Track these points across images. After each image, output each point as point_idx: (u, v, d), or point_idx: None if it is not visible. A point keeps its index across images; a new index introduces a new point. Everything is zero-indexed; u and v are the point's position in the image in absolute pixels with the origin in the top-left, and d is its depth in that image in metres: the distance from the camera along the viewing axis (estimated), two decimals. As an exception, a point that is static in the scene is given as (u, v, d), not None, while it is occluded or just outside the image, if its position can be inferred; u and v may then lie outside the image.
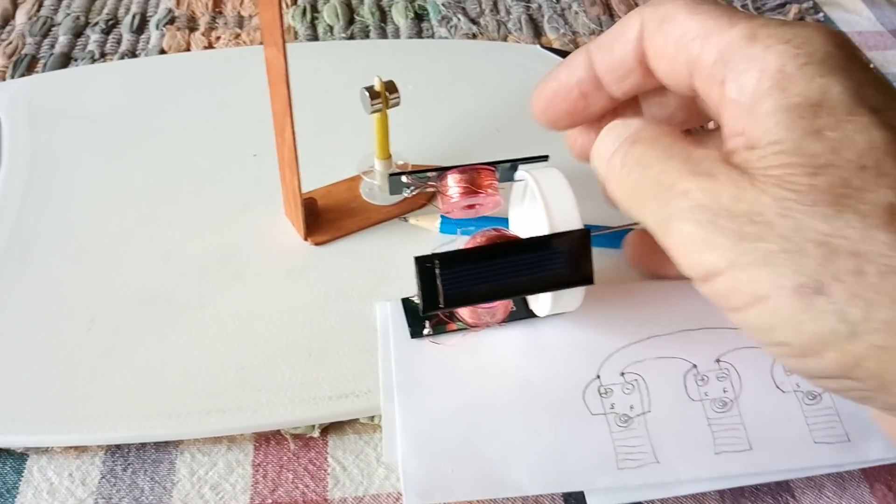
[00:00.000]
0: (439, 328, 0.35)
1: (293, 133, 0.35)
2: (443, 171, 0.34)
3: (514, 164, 0.34)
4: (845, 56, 0.24)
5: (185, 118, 0.48)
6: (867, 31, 0.58)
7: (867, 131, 0.22)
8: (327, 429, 0.33)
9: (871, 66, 0.25)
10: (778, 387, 0.33)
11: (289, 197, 0.40)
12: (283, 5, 0.61)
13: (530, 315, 0.35)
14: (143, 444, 0.33)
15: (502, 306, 0.34)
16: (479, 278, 0.30)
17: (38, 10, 0.60)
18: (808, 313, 0.21)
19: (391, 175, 0.34)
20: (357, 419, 0.34)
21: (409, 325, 0.35)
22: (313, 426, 0.33)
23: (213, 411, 0.33)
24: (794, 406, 0.32)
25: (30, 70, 0.54)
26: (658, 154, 0.26)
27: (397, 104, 0.38)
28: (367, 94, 0.37)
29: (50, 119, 0.48)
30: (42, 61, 0.55)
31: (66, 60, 0.55)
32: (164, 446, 0.33)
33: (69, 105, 0.49)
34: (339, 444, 0.33)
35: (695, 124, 0.34)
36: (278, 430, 0.33)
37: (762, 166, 0.23)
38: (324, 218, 0.41)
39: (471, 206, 0.35)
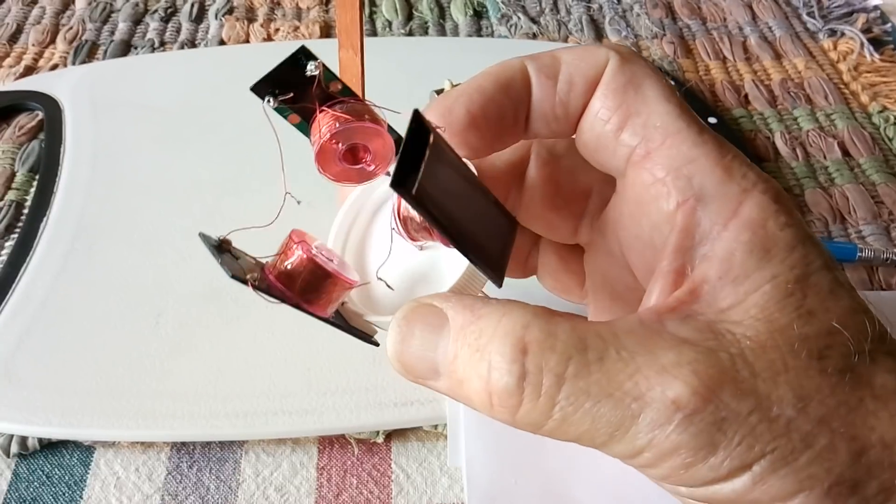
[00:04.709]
0: None
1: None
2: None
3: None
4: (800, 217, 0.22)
5: (247, 111, 0.48)
6: (938, 43, 0.56)
7: (856, 315, 0.21)
8: (390, 435, 0.33)
9: None
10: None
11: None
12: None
13: None
14: (209, 442, 0.33)
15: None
16: (458, 197, 0.22)
17: (99, -4, 0.61)
18: None
19: None
20: (420, 426, 0.34)
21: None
22: (378, 432, 0.33)
23: (280, 413, 0.33)
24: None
25: (90, 56, 0.55)
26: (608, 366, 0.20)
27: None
28: (437, 97, 0.37)
29: (112, 107, 0.48)
30: (102, 48, 0.55)
31: (126, 48, 0.56)
32: (228, 445, 0.33)
33: (131, 94, 0.50)
34: (402, 451, 0.33)
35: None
36: (342, 434, 0.33)
37: (752, 342, 0.20)
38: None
39: (353, 157, 0.25)
